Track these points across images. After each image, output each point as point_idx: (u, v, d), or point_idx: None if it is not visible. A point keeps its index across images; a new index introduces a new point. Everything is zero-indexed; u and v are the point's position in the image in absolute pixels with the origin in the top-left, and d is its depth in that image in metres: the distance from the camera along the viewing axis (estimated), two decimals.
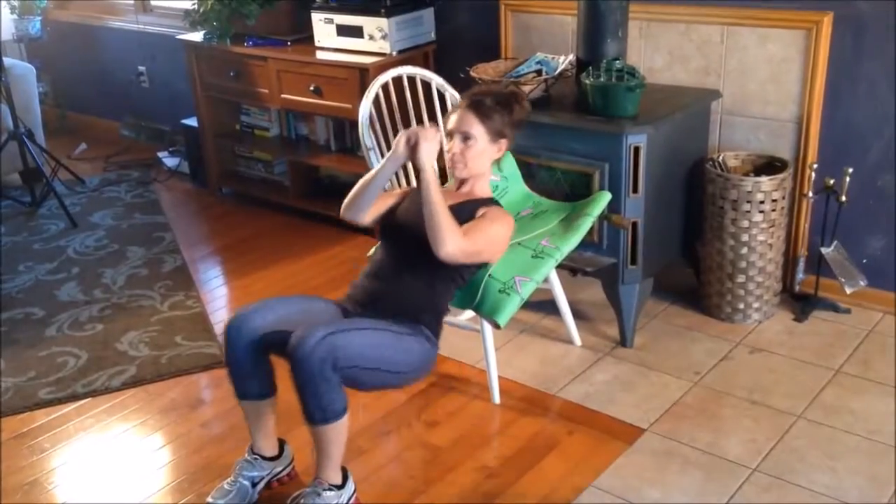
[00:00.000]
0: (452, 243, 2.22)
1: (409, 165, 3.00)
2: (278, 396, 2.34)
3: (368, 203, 2.40)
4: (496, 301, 2.45)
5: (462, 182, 2.46)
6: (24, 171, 4.57)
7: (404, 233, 2.38)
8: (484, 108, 2.38)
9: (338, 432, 2.17)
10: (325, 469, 2.21)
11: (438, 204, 2.22)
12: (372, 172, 2.39)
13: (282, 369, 2.21)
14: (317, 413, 2.12)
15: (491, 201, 2.47)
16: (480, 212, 2.39)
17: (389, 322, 2.27)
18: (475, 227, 2.34)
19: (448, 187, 2.48)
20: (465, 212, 2.37)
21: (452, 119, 2.42)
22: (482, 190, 2.48)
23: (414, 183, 2.96)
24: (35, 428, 2.74)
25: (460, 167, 2.41)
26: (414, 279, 2.33)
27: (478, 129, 2.37)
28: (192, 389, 2.91)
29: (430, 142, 2.27)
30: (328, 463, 2.21)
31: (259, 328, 2.24)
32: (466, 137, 2.38)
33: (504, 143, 2.43)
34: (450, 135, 2.42)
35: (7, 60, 4.53)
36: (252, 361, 2.26)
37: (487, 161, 2.44)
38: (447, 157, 2.42)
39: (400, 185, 2.98)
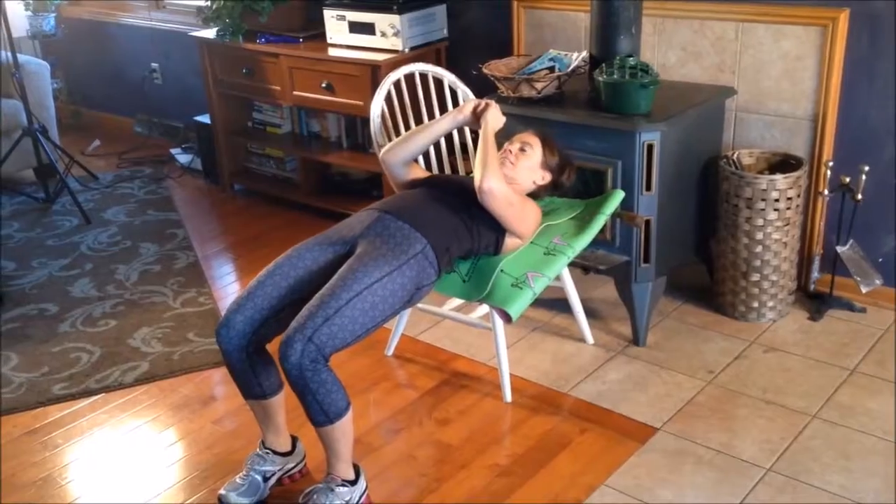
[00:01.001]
0: (497, 180, 2.39)
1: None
2: (286, 392, 2.33)
3: (412, 154, 2.63)
4: (508, 294, 2.43)
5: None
6: (37, 168, 4.59)
7: (447, 183, 2.59)
8: (550, 141, 2.64)
9: (343, 431, 2.17)
10: (337, 465, 2.22)
11: (494, 150, 2.45)
12: (426, 124, 2.61)
13: None
14: (320, 416, 2.13)
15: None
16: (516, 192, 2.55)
17: (387, 249, 2.24)
18: (514, 191, 2.50)
19: None
20: None
21: (516, 133, 2.67)
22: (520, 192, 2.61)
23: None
24: (48, 423, 2.75)
25: (509, 165, 2.57)
26: (443, 208, 2.44)
27: (537, 148, 2.60)
28: (204, 386, 2.91)
29: (499, 112, 2.57)
30: (339, 459, 2.21)
31: (244, 331, 2.22)
32: (524, 148, 2.59)
33: (548, 176, 2.63)
34: (510, 143, 2.63)
35: (21, 57, 4.54)
36: (248, 363, 2.26)
37: (530, 178, 2.61)
38: (501, 153, 2.58)
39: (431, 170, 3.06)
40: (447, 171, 3.10)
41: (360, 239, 2.32)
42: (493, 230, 2.49)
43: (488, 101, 2.63)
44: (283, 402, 2.36)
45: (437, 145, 3.05)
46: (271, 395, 2.32)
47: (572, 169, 2.69)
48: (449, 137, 3.10)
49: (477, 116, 2.59)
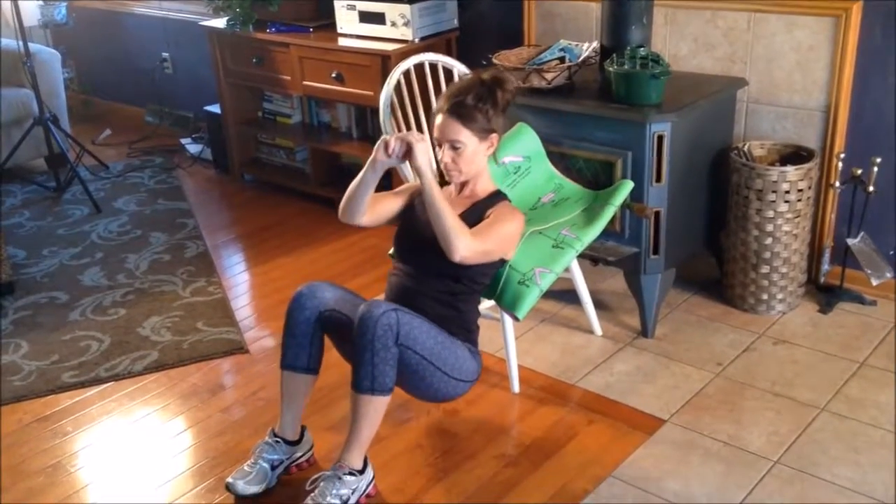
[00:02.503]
0: (463, 245, 2.19)
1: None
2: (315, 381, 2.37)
3: (359, 209, 2.36)
4: (515, 293, 2.43)
5: (463, 185, 2.41)
6: (49, 157, 4.61)
7: (420, 251, 2.35)
8: (465, 110, 2.27)
9: (376, 409, 2.17)
10: (352, 449, 2.21)
11: (443, 209, 2.19)
12: (355, 181, 2.34)
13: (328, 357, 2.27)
14: (366, 381, 2.14)
15: (497, 195, 2.41)
16: (489, 213, 2.36)
17: None
18: (485, 227, 2.31)
19: (449, 190, 2.44)
20: (472, 217, 2.35)
21: (436, 126, 2.31)
22: (484, 188, 2.42)
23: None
24: (58, 411, 2.77)
25: (455, 174, 2.35)
26: (437, 302, 2.33)
27: (464, 135, 2.27)
28: (213, 375, 2.92)
29: (423, 142, 2.21)
30: (356, 442, 2.21)
31: (326, 301, 2.32)
32: (454, 146, 2.29)
33: (494, 137, 2.34)
34: (437, 143, 2.34)
35: (33, 46, 4.56)
36: (311, 332, 2.33)
37: (482, 160, 2.36)
38: (441, 166, 2.36)
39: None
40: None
41: None
42: (485, 267, 2.38)
43: (402, 136, 2.22)
44: (311, 388, 2.39)
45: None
46: (310, 373, 2.36)
47: (500, 85, 2.31)
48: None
49: (401, 157, 2.24)
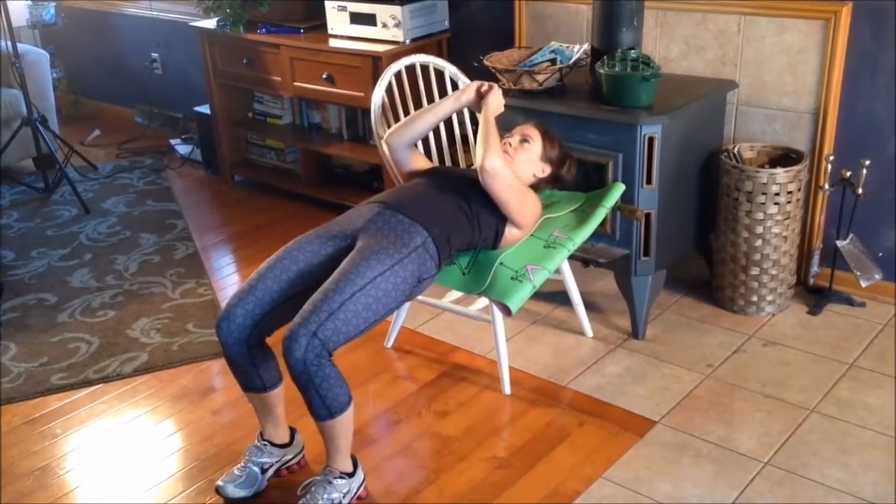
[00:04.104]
0: (499, 160, 2.39)
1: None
2: (285, 384, 2.33)
3: (415, 136, 2.64)
4: (507, 287, 2.43)
5: None
6: (37, 158, 4.58)
7: (446, 172, 2.63)
8: (550, 133, 2.63)
9: (344, 425, 2.17)
10: (335, 458, 2.22)
11: (495, 131, 2.45)
12: (429, 106, 2.63)
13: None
14: (322, 411, 2.13)
15: None
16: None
17: (388, 242, 2.25)
18: (514, 176, 2.49)
19: None
20: None
21: (521, 125, 2.65)
22: None
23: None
24: (47, 413, 2.75)
25: (509, 158, 2.53)
26: (442, 199, 2.43)
27: (538, 140, 2.60)
28: (203, 377, 2.91)
29: (501, 96, 2.57)
30: (338, 452, 2.21)
31: (245, 324, 2.21)
32: (525, 139, 2.59)
33: (548, 169, 2.62)
34: (510, 135, 2.61)
35: (21, 46, 4.53)
36: (248, 357, 2.25)
37: (530, 170, 2.60)
38: (503, 143, 2.57)
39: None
40: (448, 162, 3.10)
41: (360, 233, 2.32)
42: (494, 220, 2.49)
43: (491, 83, 2.63)
44: (283, 395, 2.36)
45: (437, 135, 3.05)
46: (271, 388, 2.32)
47: (573, 162, 2.69)
48: (449, 128, 3.09)
49: (480, 98, 2.59)
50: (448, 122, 3.01)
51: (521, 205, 2.48)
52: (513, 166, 2.54)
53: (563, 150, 2.67)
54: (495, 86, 2.61)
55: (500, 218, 2.50)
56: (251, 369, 2.27)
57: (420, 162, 2.71)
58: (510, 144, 2.58)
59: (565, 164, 2.67)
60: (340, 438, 2.19)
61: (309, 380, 2.07)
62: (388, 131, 2.67)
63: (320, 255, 2.30)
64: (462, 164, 3.13)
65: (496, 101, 2.57)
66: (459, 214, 2.44)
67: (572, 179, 2.71)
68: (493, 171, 2.38)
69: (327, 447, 2.22)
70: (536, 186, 2.65)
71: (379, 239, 2.27)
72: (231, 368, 2.30)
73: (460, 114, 3.04)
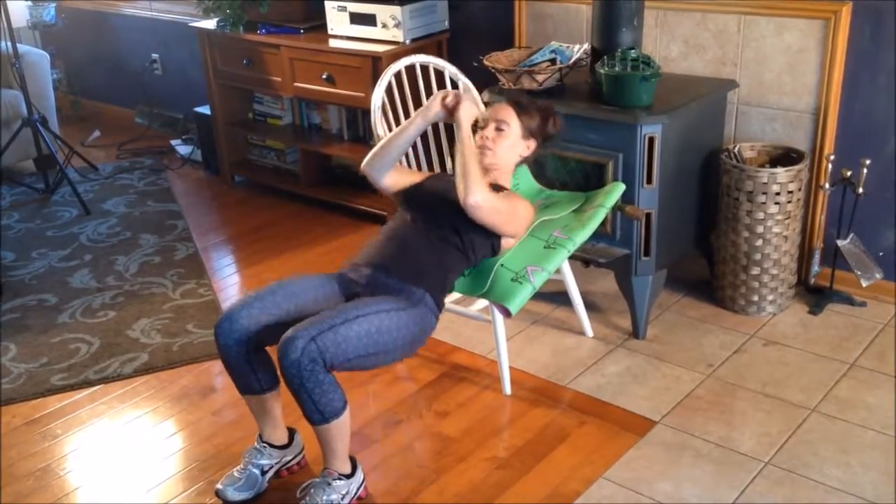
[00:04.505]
0: (481, 192, 2.30)
1: (421, 147, 2.98)
2: (282, 386, 2.33)
3: (391, 161, 2.48)
4: (507, 288, 2.44)
5: (486, 171, 2.46)
6: (37, 158, 4.58)
7: (428, 199, 2.46)
8: (523, 104, 2.48)
9: (339, 429, 2.16)
10: (333, 461, 2.22)
11: (472, 155, 2.34)
12: (399, 128, 2.47)
13: None
14: (315, 415, 2.12)
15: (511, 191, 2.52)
16: (503, 192, 2.46)
17: (389, 296, 2.25)
18: (501, 195, 2.42)
19: None
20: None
21: (491, 109, 2.49)
22: (504, 182, 2.53)
23: (434, 170, 2.96)
24: (47, 414, 2.75)
25: (489, 154, 2.45)
26: (430, 244, 2.35)
27: (513, 121, 2.46)
28: (204, 377, 2.91)
29: (470, 103, 2.41)
30: (334, 456, 2.21)
31: (247, 327, 2.21)
32: (500, 127, 2.45)
33: (533, 143, 2.50)
34: (483, 125, 2.46)
35: (21, 47, 4.53)
36: (246, 360, 2.24)
37: (515, 155, 2.50)
38: (477, 140, 2.45)
39: (421, 169, 3.01)
40: (436, 166, 3.09)
41: (361, 293, 2.31)
42: (488, 240, 2.44)
43: (456, 92, 2.48)
44: (280, 397, 2.36)
45: (424, 140, 3.04)
46: (268, 391, 2.32)
47: (555, 116, 2.54)
48: (436, 131, 3.09)
49: (450, 109, 2.45)
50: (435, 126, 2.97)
51: (513, 221, 2.43)
52: (495, 160, 2.46)
53: (542, 109, 2.51)
54: (461, 94, 2.46)
55: (494, 236, 2.45)
56: (248, 372, 2.27)
57: (405, 179, 2.56)
58: (487, 138, 2.45)
59: (548, 121, 2.52)
60: (336, 442, 2.18)
61: (301, 384, 2.06)
62: (364, 161, 2.53)
63: (327, 293, 2.32)
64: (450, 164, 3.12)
65: (467, 112, 2.41)
66: (452, 251, 2.38)
67: (562, 130, 2.57)
68: (477, 206, 2.30)
69: (323, 450, 2.21)
70: (528, 159, 2.57)
71: (378, 296, 2.27)
72: (228, 371, 2.29)
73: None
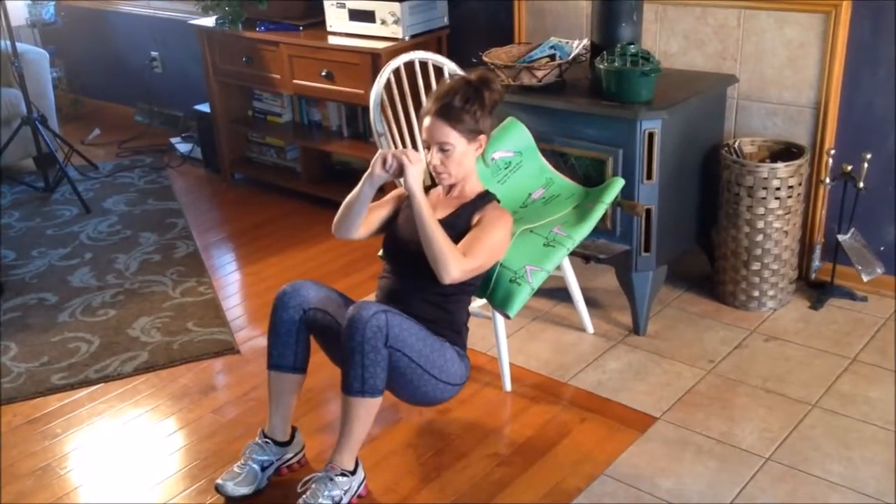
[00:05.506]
0: (455, 268, 2.20)
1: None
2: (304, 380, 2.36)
3: (356, 223, 2.36)
4: (507, 291, 2.43)
5: (451, 186, 2.39)
6: (37, 157, 4.58)
7: (407, 255, 2.32)
8: (453, 112, 2.25)
9: (367, 411, 2.17)
10: (343, 451, 2.20)
11: (433, 232, 2.18)
12: (352, 194, 2.32)
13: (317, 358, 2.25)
14: (356, 384, 2.13)
15: (485, 196, 2.39)
16: (476, 217, 2.34)
17: None
18: (473, 240, 2.28)
19: (438, 191, 2.43)
20: (461, 219, 2.34)
21: (425, 128, 2.30)
22: (472, 188, 2.40)
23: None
24: (47, 413, 2.75)
25: (445, 177, 2.32)
26: (426, 303, 2.32)
27: (453, 136, 2.26)
28: (204, 375, 2.91)
29: (415, 164, 2.18)
30: (347, 444, 2.20)
31: (310, 300, 2.31)
32: (444, 148, 2.27)
33: (483, 138, 2.32)
34: (426, 145, 2.32)
35: (20, 46, 4.53)
36: (295, 331, 2.31)
37: (471, 161, 2.34)
38: (430, 168, 2.33)
39: (398, 146, 2.98)
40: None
41: None
42: (476, 280, 2.39)
43: (395, 153, 2.22)
44: (300, 389, 2.37)
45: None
46: (297, 371, 2.34)
47: (487, 86, 2.30)
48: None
49: (398, 173, 2.22)
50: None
51: (495, 254, 2.34)
52: (453, 179, 2.33)
53: (467, 98, 2.26)
54: (403, 152, 2.21)
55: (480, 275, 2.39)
56: (291, 345, 2.32)
57: (374, 217, 2.41)
58: (435, 167, 2.30)
59: (483, 100, 2.28)
60: (357, 424, 2.17)
61: (360, 344, 2.10)
62: (333, 227, 2.40)
63: None
64: None
65: (415, 178, 2.18)
66: (450, 296, 2.34)
67: (502, 90, 2.37)
68: (455, 279, 2.21)
69: (340, 435, 2.20)
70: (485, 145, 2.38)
71: None
72: (272, 340, 2.33)
73: None
